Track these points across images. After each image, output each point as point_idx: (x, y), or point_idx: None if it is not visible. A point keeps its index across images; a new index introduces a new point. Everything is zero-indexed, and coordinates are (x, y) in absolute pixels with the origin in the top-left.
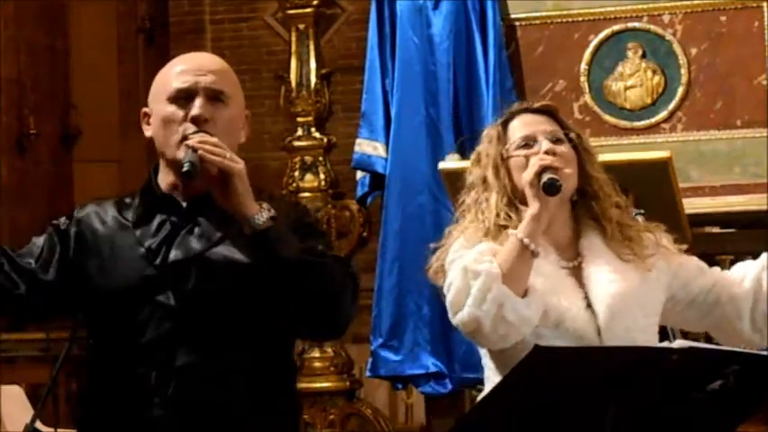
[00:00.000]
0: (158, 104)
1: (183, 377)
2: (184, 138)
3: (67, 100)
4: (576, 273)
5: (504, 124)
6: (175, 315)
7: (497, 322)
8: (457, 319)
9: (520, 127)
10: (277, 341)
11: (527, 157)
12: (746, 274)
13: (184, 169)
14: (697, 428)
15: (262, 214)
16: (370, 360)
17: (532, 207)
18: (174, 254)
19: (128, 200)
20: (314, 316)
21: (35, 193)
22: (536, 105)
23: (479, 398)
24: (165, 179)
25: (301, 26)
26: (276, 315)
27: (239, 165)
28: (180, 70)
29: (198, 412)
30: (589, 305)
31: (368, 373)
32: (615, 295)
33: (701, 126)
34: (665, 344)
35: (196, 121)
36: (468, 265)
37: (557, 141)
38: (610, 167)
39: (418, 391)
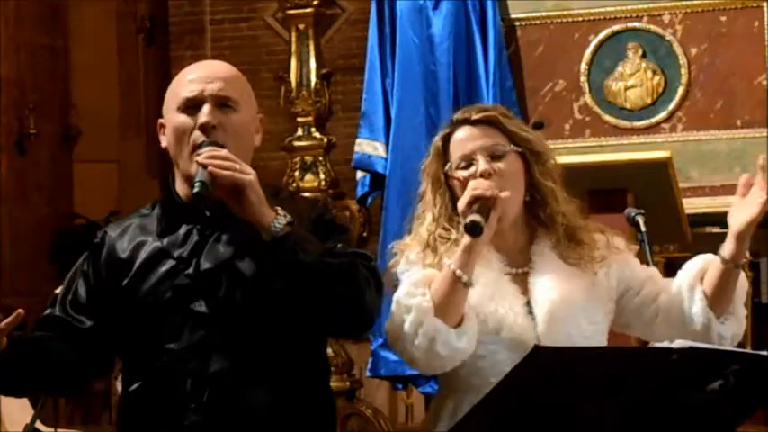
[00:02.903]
0: (170, 114)
1: (217, 383)
2: (195, 148)
3: (67, 100)
4: (522, 279)
5: (446, 138)
6: (208, 322)
7: (429, 356)
8: (395, 350)
9: (459, 144)
10: (308, 342)
11: (465, 180)
12: (686, 274)
13: (195, 190)
14: (697, 428)
15: (279, 221)
16: (370, 360)
17: (465, 238)
18: (204, 262)
19: (146, 211)
20: (339, 315)
21: (35, 193)
22: (475, 116)
23: (427, 412)
24: (182, 189)
25: (301, 26)
26: (301, 316)
27: (250, 176)
28: (189, 79)
29: (233, 417)
30: (531, 312)
31: (368, 373)
32: (556, 302)
33: (701, 126)
34: (666, 344)
35: (204, 128)
36: (400, 298)
37: (496, 157)
38: (610, 167)
39: (418, 391)
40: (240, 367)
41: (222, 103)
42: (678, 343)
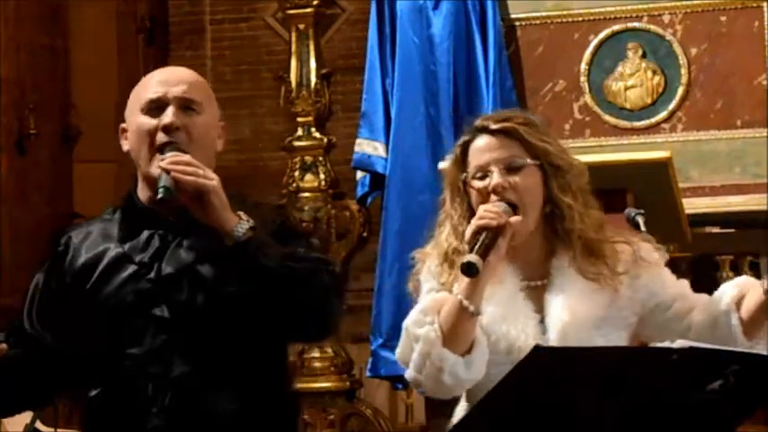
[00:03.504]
0: (133, 116)
1: (179, 387)
2: (158, 149)
3: (67, 100)
4: (539, 293)
5: (465, 145)
6: (170, 326)
7: (436, 385)
8: (405, 374)
9: (476, 153)
10: (269, 346)
11: (481, 191)
12: (723, 296)
13: (159, 196)
14: (697, 428)
15: (241, 225)
16: (370, 360)
17: None
18: (166, 267)
19: (107, 216)
20: (301, 320)
21: (35, 193)
22: (494, 126)
23: (451, 425)
24: (144, 193)
25: (301, 26)
26: (263, 320)
27: (213, 181)
28: (153, 82)
29: (195, 421)
30: (545, 331)
31: (368, 373)
32: (569, 322)
33: (701, 126)
34: (666, 344)
35: (167, 129)
36: (409, 327)
37: (512, 170)
38: (610, 167)
39: (418, 391)
40: (202, 371)
41: (186, 106)
42: (678, 343)
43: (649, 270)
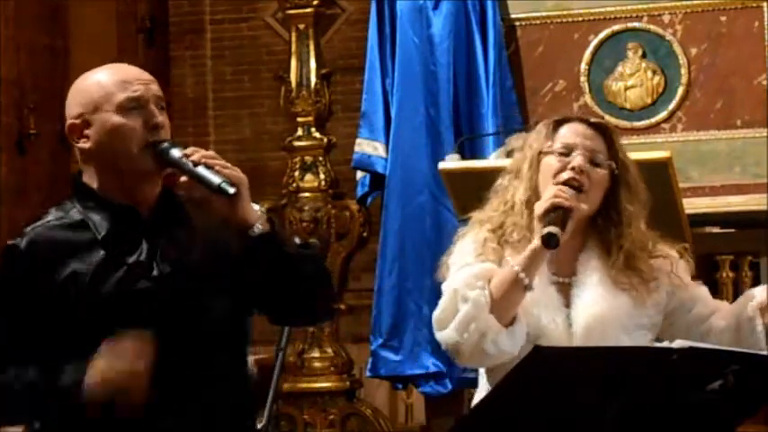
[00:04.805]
0: (102, 115)
1: (191, 384)
2: (149, 145)
3: None
4: (566, 289)
5: (557, 124)
6: (175, 323)
7: (476, 351)
8: (439, 336)
9: (568, 132)
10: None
11: (557, 166)
12: (748, 302)
13: (233, 191)
14: (697, 428)
15: (261, 217)
16: (370, 360)
17: (535, 242)
18: (164, 265)
19: (56, 218)
20: (316, 302)
21: (35, 193)
22: (593, 120)
23: (473, 403)
24: (116, 192)
25: (301, 26)
26: (266, 309)
27: (243, 174)
28: (120, 80)
29: (205, 418)
30: (571, 325)
31: (368, 373)
32: (595, 317)
33: (701, 126)
34: (665, 344)
35: (156, 127)
36: (459, 287)
37: (593, 164)
38: None
39: (418, 391)
40: (210, 365)
41: (161, 105)
42: (678, 343)
43: (676, 284)
